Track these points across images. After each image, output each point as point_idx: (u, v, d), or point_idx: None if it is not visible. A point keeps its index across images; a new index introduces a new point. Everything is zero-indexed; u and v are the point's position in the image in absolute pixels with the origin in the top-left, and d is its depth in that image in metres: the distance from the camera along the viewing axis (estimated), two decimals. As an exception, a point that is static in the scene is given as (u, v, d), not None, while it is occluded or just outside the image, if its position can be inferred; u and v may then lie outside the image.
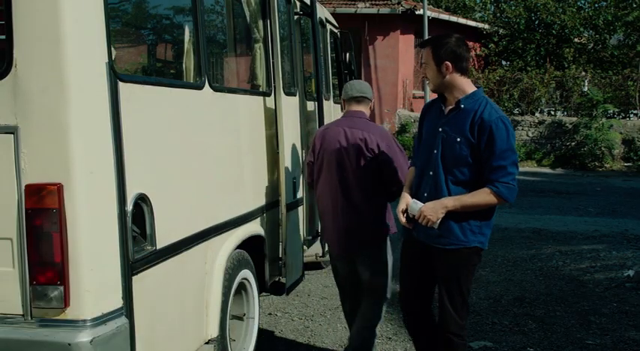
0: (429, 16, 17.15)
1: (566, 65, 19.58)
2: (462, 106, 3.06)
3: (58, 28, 2.25)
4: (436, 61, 3.07)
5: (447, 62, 3.04)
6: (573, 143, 16.48)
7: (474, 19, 22.60)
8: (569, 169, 16.00)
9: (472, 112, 3.03)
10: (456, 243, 3.11)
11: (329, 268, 6.11)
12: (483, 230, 3.15)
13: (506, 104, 17.88)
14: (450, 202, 3.04)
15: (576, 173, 15.34)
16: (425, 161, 3.17)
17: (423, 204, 3.10)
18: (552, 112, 18.54)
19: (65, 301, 2.28)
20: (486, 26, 21.42)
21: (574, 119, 16.77)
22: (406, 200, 3.21)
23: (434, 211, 3.05)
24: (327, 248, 4.51)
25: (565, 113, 18.01)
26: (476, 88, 3.12)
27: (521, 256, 6.99)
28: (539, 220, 9.07)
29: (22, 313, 2.34)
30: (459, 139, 3.03)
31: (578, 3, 21.84)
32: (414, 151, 3.42)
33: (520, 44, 20.69)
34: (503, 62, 21.44)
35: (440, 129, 3.11)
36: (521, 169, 15.94)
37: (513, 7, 21.61)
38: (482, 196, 3.02)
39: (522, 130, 17.12)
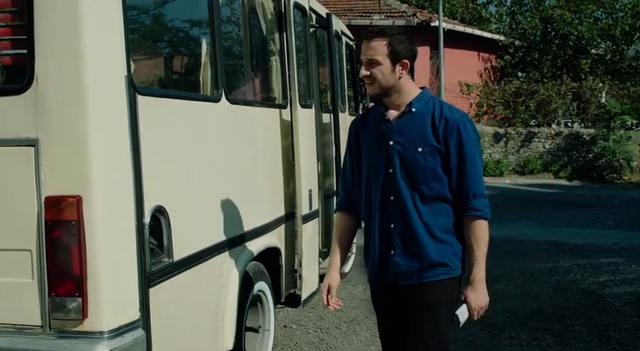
0: (444, 28, 17.15)
1: (583, 76, 19.49)
2: (414, 109, 2.60)
3: (78, 43, 2.28)
4: (393, 59, 2.56)
5: (406, 61, 2.58)
6: (591, 155, 16.34)
7: (490, 31, 22.59)
8: (586, 181, 15.85)
9: (428, 115, 2.59)
10: (439, 274, 2.61)
11: (344, 280, 6.11)
12: (463, 254, 2.66)
13: (522, 116, 17.80)
14: (479, 272, 2.59)
15: (594, 185, 15.19)
16: (378, 185, 2.63)
17: (465, 304, 2.63)
18: (569, 124, 18.42)
19: (83, 312, 2.30)
20: (502, 38, 21.39)
21: (591, 131, 16.65)
22: (334, 270, 2.76)
23: (482, 297, 2.63)
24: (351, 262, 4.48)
25: (582, 125, 17.88)
26: (420, 90, 2.67)
27: (538, 269, 6.92)
28: (556, 233, 8.98)
29: (40, 324, 2.36)
30: (420, 149, 2.56)
31: (595, 14, 21.75)
32: (344, 182, 2.83)
33: (536, 56, 20.63)
34: (519, 74, 21.37)
35: (391, 142, 2.60)
36: (537, 181, 15.92)
37: (529, 19, 21.59)
38: (481, 233, 2.56)
39: (539, 141, 17.02)
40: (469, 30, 20.09)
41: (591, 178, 15.89)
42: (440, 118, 2.58)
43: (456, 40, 18.67)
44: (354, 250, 6.73)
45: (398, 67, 2.57)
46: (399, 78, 2.58)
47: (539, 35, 20.72)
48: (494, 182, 15.51)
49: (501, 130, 17.55)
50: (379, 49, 2.56)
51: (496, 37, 21.39)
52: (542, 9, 21.95)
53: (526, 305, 5.63)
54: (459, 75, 19.11)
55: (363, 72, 2.59)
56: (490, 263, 7.26)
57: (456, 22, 21.67)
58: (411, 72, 2.63)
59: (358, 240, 7.53)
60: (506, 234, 8.80)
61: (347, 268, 6.35)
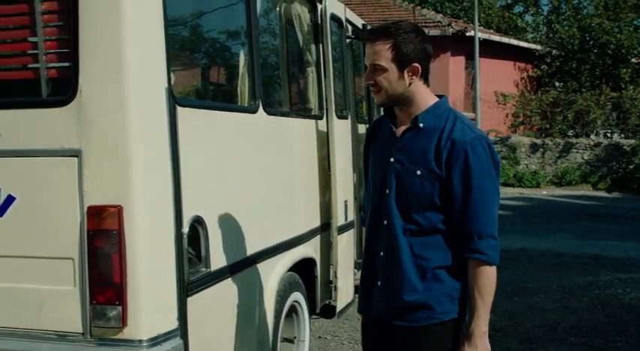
0: (480, 38, 17.03)
1: (623, 86, 19.10)
2: (421, 124, 2.22)
3: (121, 56, 2.32)
4: (400, 64, 2.17)
5: (416, 64, 2.18)
6: (631, 166, 15.98)
7: (526, 40, 22.35)
8: (626, 193, 15.48)
9: (437, 132, 2.19)
10: (421, 318, 2.23)
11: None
12: (462, 293, 2.26)
13: (560, 126, 17.53)
14: (479, 326, 2.19)
15: (634, 197, 14.84)
16: (376, 206, 2.32)
17: None
18: (608, 135, 18.06)
19: (123, 320, 2.33)
20: (539, 47, 21.14)
21: (632, 141, 16.29)
22: None
23: None
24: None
25: (622, 135, 17.52)
26: (437, 99, 2.27)
27: (578, 283, 6.77)
28: (595, 246, 8.78)
29: (81, 331, 2.40)
30: (419, 172, 2.19)
31: (635, 22, 21.33)
32: (366, 195, 2.49)
33: (574, 65, 20.33)
34: (557, 83, 21.08)
35: (392, 159, 2.26)
36: (575, 192, 15.62)
37: (567, 28, 21.29)
38: (485, 280, 2.17)
39: (577, 152, 16.72)
40: (505, 40, 19.90)
41: (632, 190, 15.51)
42: (447, 138, 2.17)
43: (492, 50, 18.51)
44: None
45: (407, 73, 2.19)
46: (409, 85, 2.20)
47: (577, 44, 20.40)
48: (531, 193, 15.28)
49: (538, 141, 17.30)
50: (383, 52, 2.18)
51: (533, 46, 21.14)
52: (581, 18, 21.63)
53: (565, 320, 5.51)
54: (495, 85, 18.93)
55: (367, 80, 2.26)
56: (527, 276, 7.18)
57: (491, 31, 21.49)
58: (425, 76, 2.24)
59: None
60: (543, 246, 8.66)
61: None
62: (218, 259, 2.79)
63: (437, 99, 2.27)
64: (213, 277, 2.75)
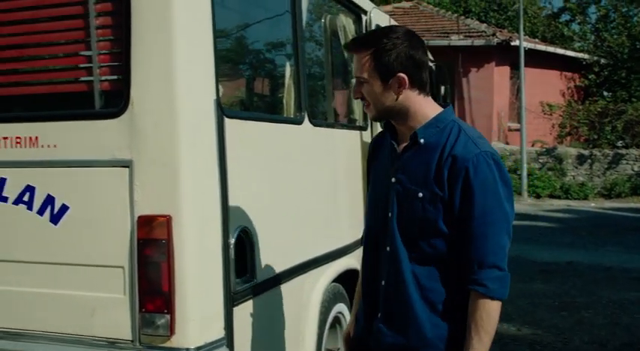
0: (525, 47, 16.79)
1: (675, 95, 18.56)
2: (422, 140, 2.00)
3: (171, 69, 2.37)
4: (382, 75, 1.98)
5: (401, 75, 1.96)
6: (684, 178, 15.49)
7: (573, 49, 21.92)
8: (679, 205, 15.01)
9: (439, 149, 1.97)
10: None
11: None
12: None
13: (608, 137, 17.12)
14: None
15: (688, 210, 14.37)
16: (378, 231, 2.12)
17: None
18: (660, 145, 17.56)
19: (171, 329, 2.36)
20: (586, 56, 20.71)
21: (684, 152, 15.80)
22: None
23: None
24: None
25: (674, 146, 17.01)
26: (441, 109, 2.05)
27: (629, 299, 6.58)
28: (647, 260, 8.54)
29: (131, 338, 2.44)
30: (421, 195, 1.97)
31: (688, 30, 20.74)
32: (365, 215, 2.33)
33: (623, 74, 19.86)
34: (605, 93, 20.60)
35: (393, 179, 2.06)
36: (625, 205, 15.23)
37: (615, 36, 20.81)
38: (483, 315, 1.93)
39: (627, 163, 16.29)
40: (551, 49, 19.56)
41: (684, 203, 15.04)
42: (448, 154, 1.95)
43: (538, 60, 18.22)
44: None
45: (393, 84, 1.98)
46: (398, 97, 1.98)
47: (626, 53, 19.93)
48: (578, 206, 14.94)
49: (586, 152, 16.93)
50: (363, 63, 1.99)
51: (580, 55, 20.73)
52: (630, 26, 21.13)
53: (616, 336, 5.35)
54: (541, 95, 18.62)
55: (354, 94, 2.10)
56: (575, 290, 7.02)
57: (537, 40, 21.17)
58: (420, 86, 2.00)
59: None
60: (591, 260, 8.45)
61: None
62: (264, 270, 2.81)
63: (439, 110, 2.03)
64: (259, 288, 2.77)
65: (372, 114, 2.10)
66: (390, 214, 2.05)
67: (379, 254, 2.11)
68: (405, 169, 2.04)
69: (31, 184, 2.56)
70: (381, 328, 2.10)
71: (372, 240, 2.17)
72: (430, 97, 2.06)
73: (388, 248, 2.07)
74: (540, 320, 5.82)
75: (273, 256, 2.93)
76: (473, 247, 1.94)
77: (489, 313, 1.94)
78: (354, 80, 2.28)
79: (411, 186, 2.01)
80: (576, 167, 16.81)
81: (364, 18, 4.24)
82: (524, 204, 15.21)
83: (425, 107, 2.03)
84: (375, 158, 2.24)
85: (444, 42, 17.56)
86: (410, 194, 2.00)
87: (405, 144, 2.06)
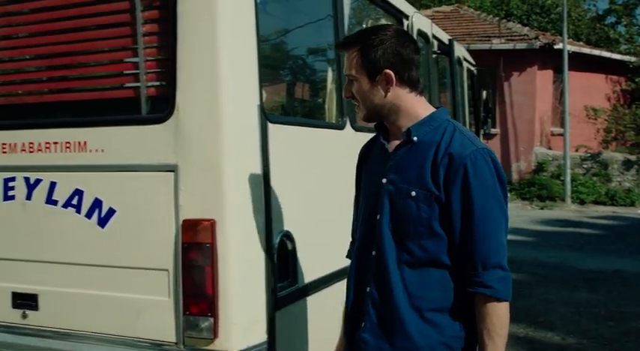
0: (569, 51, 16.48)
1: None
2: (415, 138, 1.96)
3: (216, 75, 2.40)
4: (369, 71, 1.95)
5: (388, 71, 1.94)
6: None
7: (619, 52, 21.39)
8: None
9: (433, 147, 1.92)
10: None
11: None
12: (466, 344, 1.95)
13: (656, 142, 16.67)
14: None
15: None
16: (365, 234, 2.07)
17: None
18: None
19: (215, 332, 2.38)
20: (633, 59, 20.18)
21: None
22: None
23: None
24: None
25: None
26: (434, 109, 2.02)
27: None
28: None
29: (175, 341, 2.47)
30: (414, 193, 1.91)
31: None
32: (353, 222, 2.32)
33: (672, 77, 19.28)
34: (653, 97, 20.06)
35: (384, 180, 2.00)
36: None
37: (664, 38, 20.25)
38: (494, 319, 1.86)
39: (675, 169, 15.84)
40: (596, 52, 19.13)
41: None
42: (444, 152, 1.89)
43: (582, 63, 17.85)
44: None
45: (381, 81, 1.95)
46: (386, 95, 1.96)
47: (675, 56, 19.38)
48: (624, 212, 14.55)
49: (632, 157, 16.49)
50: (352, 60, 1.98)
51: (626, 58, 20.22)
52: (679, 28, 20.57)
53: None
54: (585, 99, 18.23)
55: (345, 93, 2.08)
56: (622, 299, 6.83)
57: (581, 43, 20.75)
58: (411, 84, 1.97)
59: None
60: (639, 268, 8.21)
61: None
62: (306, 274, 2.82)
63: (431, 110, 2.01)
64: (301, 292, 2.78)
65: (362, 113, 2.06)
66: (378, 217, 2.00)
67: (366, 259, 2.04)
68: (398, 168, 1.98)
69: (79, 188, 2.62)
70: (364, 338, 2.01)
71: (359, 245, 2.11)
72: (423, 97, 2.03)
73: (374, 252, 2.00)
74: (585, 330, 5.68)
75: (315, 260, 2.93)
76: (475, 248, 1.87)
77: (500, 316, 1.87)
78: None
79: (403, 185, 1.94)
80: (622, 173, 16.39)
81: (406, 22, 4.22)
82: (567, 210, 14.90)
83: (416, 106, 1.99)
84: (366, 162, 2.20)
85: (485, 46, 17.35)
86: (402, 193, 1.94)
87: (397, 143, 2.01)
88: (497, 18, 20.21)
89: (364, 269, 2.05)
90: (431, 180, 1.90)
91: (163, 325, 2.48)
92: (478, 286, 1.87)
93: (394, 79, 1.94)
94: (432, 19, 5.08)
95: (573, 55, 17.07)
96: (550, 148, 17.76)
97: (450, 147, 1.89)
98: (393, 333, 1.95)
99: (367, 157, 2.20)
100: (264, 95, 2.69)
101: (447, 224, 1.90)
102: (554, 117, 18.31)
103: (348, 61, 2.01)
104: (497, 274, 1.87)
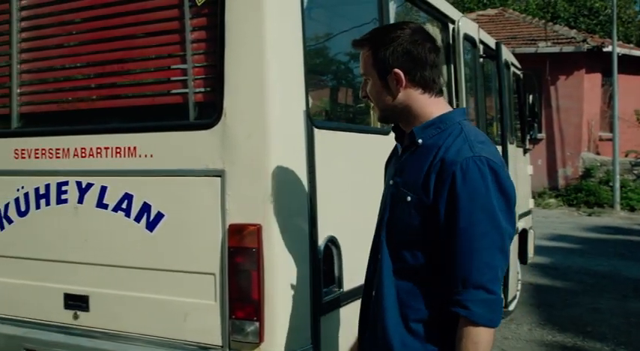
0: (618, 53, 16.06)
1: None
2: (420, 140, 1.87)
3: (263, 81, 2.42)
4: (379, 70, 1.88)
5: (397, 71, 1.85)
6: None
7: (672, 54, 20.75)
8: None
9: (434, 151, 1.82)
10: None
11: (509, 318, 5.83)
12: None
13: None
14: None
15: None
16: (374, 238, 2.05)
17: None
18: None
19: (260, 336, 2.40)
20: (686, 61, 19.57)
21: None
22: None
23: None
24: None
25: None
26: (448, 110, 1.90)
27: None
28: None
29: (221, 344, 2.50)
30: (409, 199, 1.83)
31: None
32: None
33: None
34: None
35: (391, 182, 1.97)
36: None
37: None
38: (468, 344, 1.72)
39: None
40: (647, 54, 18.61)
41: None
42: (440, 157, 1.78)
43: (632, 66, 17.38)
44: (519, 287, 6.43)
45: (391, 81, 1.86)
46: (397, 95, 1.87)
47: None
48: (677, 220, 14.10)
49: (685, 163, 15.99)
50: (365, 59, 1.91)
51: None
52: None
53: None
54: (635, 103, 17.73)
55: (361, 93, 2.01)
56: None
57: (631, 46, 20.18)
58: (423, 85, 1.86)
59: (524, 276, 7.21)
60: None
61: (511, 306, 6.07)
62: (350, 280, 2.80)
63: (446, 110, 1.90)
64: (346, 297, 2.77)
65: (377, 114, 2.00)
66: (383, 220, 1.95)
67: (374, 263, 1.99)
68: (402, 171, 1.92)
69: (129, 192, 2.67)
70: (365, 348, 2.00)
71: (371, 248, 2.07)
72: (441, 99, 1.91)
73: (379, 256, 1.95)
74: (637, 341, 5.51)
75: (359, 265, 2.91)
76: (457, 263, 1.73)
77: (475, 341, 1.71)
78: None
79: (402, 189, 1.88)
80: (674, 179, 15.90)
81: (451, 26, 4.19)
82: (616, 217, 14.51)
83: (428, 108, 1.88)
84: (388, 165, 2.16)
85: (531, 49, 17.06)
86: (400, 197, 1.87)
87: (405, 145, 1.95)
88: (543, 21, 19.85)
89: (370, 273, 2.03)
90: (422, 186, 1.80)
91: (209, 328, 2.51)
92: (455, 304, 1.74)
93: (403, 79, 1.85)
94: (476, 22, 5.02)
95: (623, 58, 16.63)
96: (598, 154, 17.34)
97: (447, 151, 1.78)
98: (378, 344, 1.90)
99: (390, 160, 2.17)
100: (310, 101, 2.70)
101: (435, 232, 1.78)
102: (603, 121, 17.87)
103: (361, 60, 1.94)
104: (477, 295, 1.72)
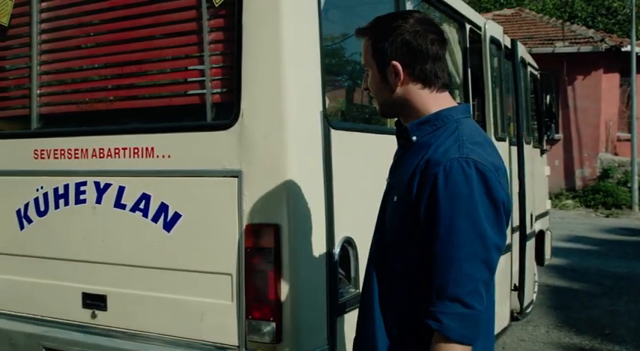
0: (637, 53, 15.89)
1: None
2: (414, 137, 1.76)
3: (280, 82, 2.43)
4: (378, 62, 1.77)
5: (395, 63, 1.73)
6: None
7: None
8: None
9: (425, 149, 1.71)
10: None
11: (525, 320, 5.79)
12: None
13: None
14: None
15: None
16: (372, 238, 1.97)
17: None
18: None
19: (276, 336, 2.40)
20: None
21: None
22: None
23: None
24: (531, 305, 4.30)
25: None
26: (447, 106, 1.77)
27: None
28: None
29: (237, 344, 2.50)
30: (395, 198, 1.76)
31: None
32: None
33: None
34: None
35: (387, 180, 1.93)
36: None
37: None
38: None
39: None
40: (666, 54, 18.38)
41: None
42: (426, 157, 1.67)
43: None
44: (535, 288, 6.38)
45: (390, 74, 1.75)
46: (395, 89, 1.75)
47: None
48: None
49: None
50: (365, 49, 1.80)
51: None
52: None
53: None
54: (655, 103, 17.52)
55: (363, 85, 1.90)
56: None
57: (650, 45, 19.96)
58: (423, 79, 1.74)
59: (540, 278, 7.14)
60: None
61: (528, 307, 6.03)
62: (367, 281, 2.80)
63: (445, 106, 1.77)
64: (362, 299, 2.76)
65: (377, 108, 1.89)
66: (379, 220, 1.88)
67: (368, 263, 1.92)
68: (395, 169, 1.85)
69: (146, 193, 2.69)
70: None
71: (370, 247, 1.97)
72: (444, 94, 1.78)
73: (371, 256, 1.89)
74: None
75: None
76: (434, 273, 1.61)
77: None
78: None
79: (392, 188, 1.81)
80: (695, 181, 15.70)
81: (468, 27, 4.17)
82: (634, 218, 14.35)
83: (428, 103, 1.75)
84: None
85: (548, 49, 16.93)
86: (389, 197, 1.80)
87: (402, 143, 1.86)
88: (560, 20, 19.69)
89: (365, 274, 1.95)
90: (406, 186, 1.69)
91: (226, 328, 2.52)
92: (428, 316, 1.61)
93: (401, 72, 1.74)
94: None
95: (642, 58, 16.45)
96: (616, 154, 17.17)
97: (435, 151, 1.66)
98: (364, 342, 1.83)
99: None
100: (327, 102, 2.69)
101: (417, 239, 1.67)
102: (621, 122, 17.68)
103: (362, 50, 1.82)
104: (452, 308, 1.59)
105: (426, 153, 1.68)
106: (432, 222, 1.61)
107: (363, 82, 1.88)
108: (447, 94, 1.80)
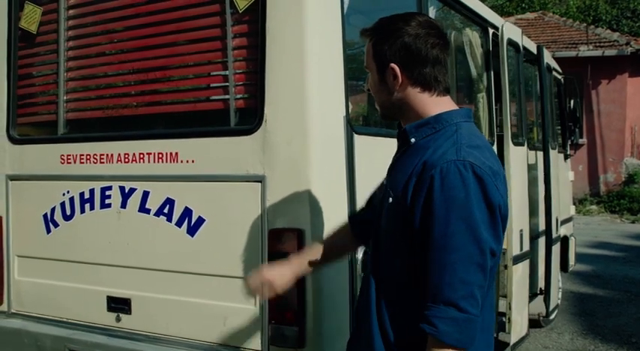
0: (663, 57, 15.67)
1: None
2: (413, 139, 1.74)
3: (304, 88, 2.44)
4: (378, 65, 1.75)
5: (393, 66, 1.72)
6: None
7: None
8: None
9: (422, 152, 1.69)
10: None
11: (549, 327, 5.73)
12: None
13: None
14: None
15: None
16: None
17: None
18: None
19: (299, 342, 2.40)
20: None
21: None
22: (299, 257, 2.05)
23: None
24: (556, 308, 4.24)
25: None
26: (447, 109, 1.74)
27: None
28: None
29: (260, 349, 2.51)
30: (390, 200, 1.72)
31: None
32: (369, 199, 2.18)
33: None
34: None
35: (385, 181, 1.88)
36: None
37: None
38: None
39: None
40: (693, 57, 18.10)
41: None
42: (423, 160, 1.65)
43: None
44: (559, 295, 6.31)
45: (389, 77, 1.73)
46: (393, 92, 1.74)
47: None
48: None
49: None
50: (367, 50, 1.78)
51: None
52: None
53: None
54: (681, 107, 17.27)
55: (365, 85, 1.89)
56: None
57: (677, 49, 19.66)
58: (422, 83, 1.72)
59: (565, 284, 7.06)
60: None
61: (552, 314, 5.96)
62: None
63: (445, 109, 1.74)
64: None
65: (379, 112, 1.87)
66: (375, 222, 1.85)
67: (365, 267, 1.92)
68: (392, 170, 1.82)
69: (171, 197, 2.71)
70: None
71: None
72: (445, 98, 1.75)
73: (369, 259, 1.86)
74: None
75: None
76: (429, 277, 1.59)
77: None
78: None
79: (387, 190, 1.77)
80: None
81: (491, 31, 4.14)
82: (660, 224, 14.13)
83: (427, 107, 1.73)
84: None
85: (572, 53, 16.74)
86: (385, 199, 1.76)
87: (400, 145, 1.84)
88: (584, 24, 19.49)
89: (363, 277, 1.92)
90: (403, 189, 1.66)
91: (249, 333, 2.53)
92: (423, 320, 1.59)
93: (399, 75, 1.71)
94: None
95: (668, 61, 16.23)
96: (642, 159, 16.92)
97: (433, 154, 1.64)
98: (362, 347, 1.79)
99: None
100: (350, 107, 2.70)
101: (412, 243, 1.65)
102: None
103: (365, 51, 1.81)
104: (447, 312, 1.57)
105: (424, 155, 1.66)
106: (427, 225, 1.59)
107: (365, 82, 1.88)
108: (448, 98, 1.78)
